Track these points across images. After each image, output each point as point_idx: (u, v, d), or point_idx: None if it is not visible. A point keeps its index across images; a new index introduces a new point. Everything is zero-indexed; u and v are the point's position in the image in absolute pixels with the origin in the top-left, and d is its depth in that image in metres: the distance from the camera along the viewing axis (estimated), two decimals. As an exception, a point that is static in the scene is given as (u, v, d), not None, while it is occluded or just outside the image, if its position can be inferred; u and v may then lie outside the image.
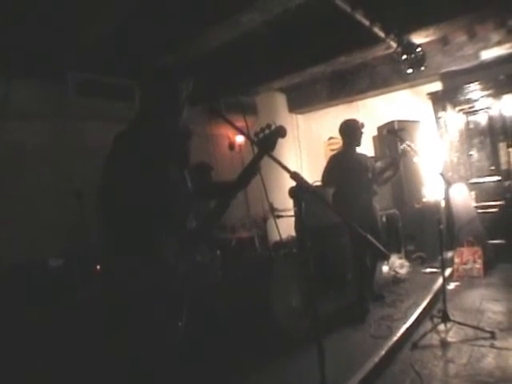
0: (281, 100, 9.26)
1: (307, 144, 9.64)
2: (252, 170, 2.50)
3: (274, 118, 8.53)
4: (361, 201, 4.89)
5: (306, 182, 1.97)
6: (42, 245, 4.61)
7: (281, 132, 2.38)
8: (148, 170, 2.17)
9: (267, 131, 2.33)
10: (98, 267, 4.41)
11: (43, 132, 5.09)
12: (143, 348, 2.27)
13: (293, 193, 1.96)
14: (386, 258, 4.73)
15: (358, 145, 5.17)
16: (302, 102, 9.14)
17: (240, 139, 7.47)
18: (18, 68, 4.65)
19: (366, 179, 5.04)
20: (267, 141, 2.32)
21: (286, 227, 6.38)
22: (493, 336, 4.05)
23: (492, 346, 3.91)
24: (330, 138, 9.26)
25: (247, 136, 2.17)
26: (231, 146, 7.60)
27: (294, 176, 1.91)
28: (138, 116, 2.42)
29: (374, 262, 5.24)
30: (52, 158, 5.08)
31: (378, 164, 5.78)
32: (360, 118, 5.25)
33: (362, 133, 5.15)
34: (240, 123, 2.22)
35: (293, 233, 6.65)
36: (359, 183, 4.94)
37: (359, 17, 4.76)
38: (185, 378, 2.35)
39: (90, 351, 3.73)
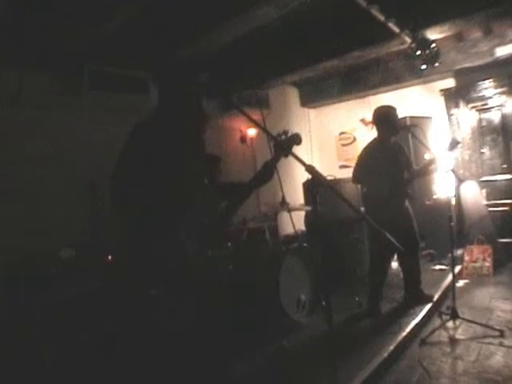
0: (293, 94, 9.26)
1: (319, 138, 9.63)
2: (268, 173, 2.55)
3: (286, 112, 8.59)
4: (392, 201, 4.62)
5: (321, 176, 1.97)
6: (55, 235, 4.64)
7: (296, 139, 2.44)
8: (164, 164, 2.19)
9: (284, 137, 2.38)
10: (110, 257, 4.45)
11: (56, 123, 5.11)
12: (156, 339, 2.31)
13: (308, 186, 1.98)
14: (399, 252, 4.70)
15: (394, 134, 4.84)
16: (314, 96, 9.13)
17: (252, 132, 7.47)
18: (33, 59, 4.68)
19: (400, 178, 4.79)
20: (283, 146, 2.36)
21: (295, 221, 6.40)
22: (502, 334, 4.05)
23: (501, 345, 3.90)
24: (342, 133, 9.27)
25: (265, 130, 2.18)
26: (243, 139, 7.62)
27: (310, 169, 1.91)
28: (156, 109, 2.44)
29: (389, 261, 5.10)
30: (65, 149, 5.10)
31: None
32: (371, 114, 5.14)
33: (395, 121, 4.85)
34: (254, 117, 2.23)
35: (302, 227, 6.65)
36: (391, 181, 4.64)
37: (374, 11, 4.73)
38: (189, 368, 2.37)
39: (102, 341, 3.78)
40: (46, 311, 3.88)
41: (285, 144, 2.38)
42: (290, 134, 2.44)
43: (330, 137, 9.46)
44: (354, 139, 9.05)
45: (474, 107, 7.26)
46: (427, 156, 4.98)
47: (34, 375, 3.53)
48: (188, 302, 2.28)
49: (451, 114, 7.44)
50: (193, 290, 2.29)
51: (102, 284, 4.26)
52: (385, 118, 4.84)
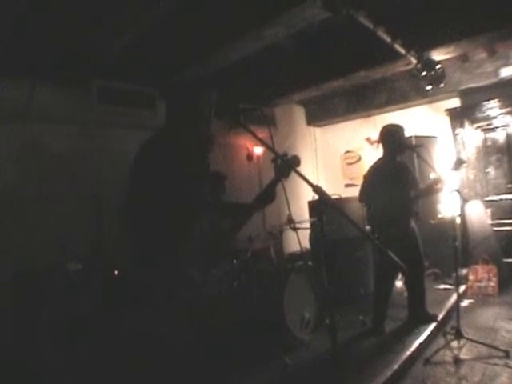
0: (299, 112, 9.32)
1: (324, 157, 9.68)
2: (269, 194, 2.59)
3: (292, 130, 8.62)
4: (398, 220, 4.61)
5: (327, 196, 2.02)
6: (62, 249, 4.67)
7: (295, 161, 2.51)
8: (172, 183, 2.22)
9: (284, 158, 2.44)
10: (116, 272, 4.47)
11: (64, 137, 5.17)
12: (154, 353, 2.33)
13: (314, 206, 2.02)
14: (403, 272, 4.69)
15: (399, 153, 4.88)
16: (320, 114, 9.20)
17: (258, 150, 7.51)
18: (44, 72, 4.75)
19: (406, 196, 4.77)
20: (283, 168, 2.46)
21: (300, 239, 6.39)
22: (507, 355, 4.02)
23: (506, 365, 3.88)
24: (347, 152, 9.30)
25: (272, 149, 2.22)
26: (249, 156, 7.66)
27: (316, 190, 1.96)
28: (164, 127, 2.48)
29: (393, 280, 5.11)
30: (72, 162, 5.15)
31: None
32: (377, 133, 5.20)
33: (402, 140, 4.89)
34: (261, 135, 2.28)
35: (307, 245, 6.65)
36: (396, 200, 4.58)
37: (381, 33, 4.79)
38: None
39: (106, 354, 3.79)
40: (53, 324, 3.90)
41: (283, 166, 2.45)
42: (289, 156, 2.49)
43: (336, 155, 9.50)
44: (360, 158, 9.08)
45: (479, 127, 7.28)
46: (432, 176, 5.00)
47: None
48: (190, 319, 2.31)
49: (456, 134, 7.46)
50: (195, 309, 2.32)
51: (108, 298, 4.28)
52: (391, 137, 4.87)
